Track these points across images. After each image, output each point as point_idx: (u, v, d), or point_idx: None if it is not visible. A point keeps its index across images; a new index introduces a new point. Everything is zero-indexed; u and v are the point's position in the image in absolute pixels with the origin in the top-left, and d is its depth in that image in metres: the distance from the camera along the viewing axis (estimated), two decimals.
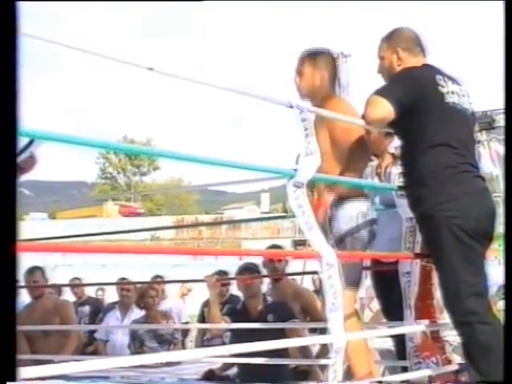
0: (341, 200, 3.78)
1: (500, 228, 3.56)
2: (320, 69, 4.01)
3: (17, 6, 1.81)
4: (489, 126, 9.81)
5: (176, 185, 59.46)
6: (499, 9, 3.14)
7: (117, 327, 7.38)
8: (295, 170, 3.02)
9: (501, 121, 9.55)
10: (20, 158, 4.39)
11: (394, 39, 3.81)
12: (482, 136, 9.70)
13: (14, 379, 1.69)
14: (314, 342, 3.83)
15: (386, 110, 3.47)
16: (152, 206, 60.65)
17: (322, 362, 3.53)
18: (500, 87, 3.19)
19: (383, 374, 5.55)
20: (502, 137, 9.50)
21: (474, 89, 3.95)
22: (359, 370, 3.70)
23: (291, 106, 3.07)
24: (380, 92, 3.54)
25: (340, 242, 3.72)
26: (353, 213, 3.78)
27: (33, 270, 6.63)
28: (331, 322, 3.01)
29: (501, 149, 9.72)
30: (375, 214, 3.96)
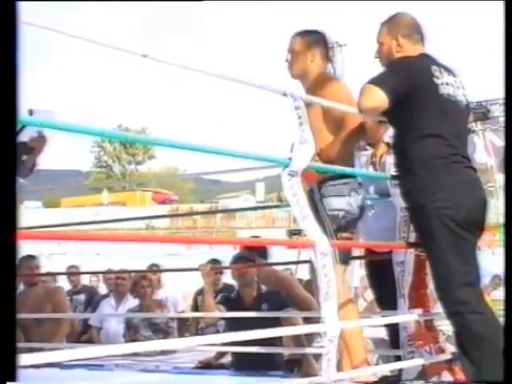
0: (332, 177, 3.79)
1: (492, 218, 3.57)
2: (311, 48, 4.01)
3: (17, 6, 1.81)
4: (483, 117, 9.80)
5: (171, 173, 59.49)
6: (499, 8, 3.13)
7: (111, 315, 7.39)
8: (289, 159, 3.03)
9: (495, 111, 9.55)
10: (28, 139, 4.32)
11: (394, 25, 3.77)
12: (476, 126, 9.70)
13: (13, 379, 1.70)
14: (307, 330, 3.83)
15: (379, 99, 3.46)
16: None
17: (316, 351, 3.53)
18: (495, 78, 3.19)
19: (377, 363, 5.58)
20: (497, 127, 9.51)
21: (469, 79, 3.95)
22: (356, 357, 3.71)
23: (285, 95, 3.07)
24: (374, 81, 3.53)
25: (335, 219, 3.75)
26: (344, 191, 3.80)
27: (27, 258, 6.60)
28: (325, 311, 3.01)
29: (495, 139, 9.73)
30: (364, 190, 3.99)
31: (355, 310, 3.87)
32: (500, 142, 9.26)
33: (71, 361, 4.85)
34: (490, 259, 4.21)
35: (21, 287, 6.95)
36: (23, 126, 4.14)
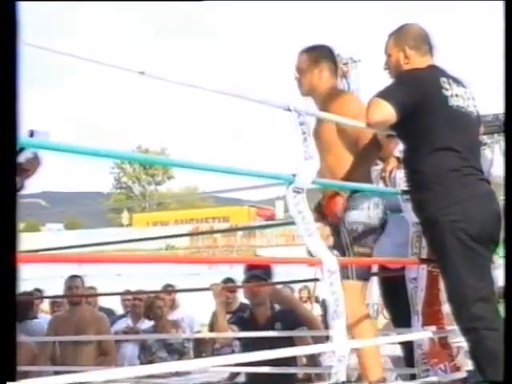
0: (352, 192, 3.75)
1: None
2: (318, 63, 3.97)
3: (17, 6, 1.78)
4: (500, 130, 9.72)
5: (191, 193, 59.43)
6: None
7: (125, 337, 7.33)
8: (294, 175, 2.96)
9: None
10: (22, 159, 4.30)
11: (401, 36, 3.72)
12: (493, 139, 9.62)
13: (13, 379, 1.69)
14: (316, 350, 3.78)
15: (387, 112, 3.40)
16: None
17: (328, 370, 3.45)
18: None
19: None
20: None
21: (485, 92, 3.88)
22: (372, 375, 3.64)
23: (289, 110, 3.01)
24: (382, 94, 3.47)
25: (353, 232, 3.71)
26: (364, 204, 3.74)
27: (71, 278, 6.75)
28: (333, 330, 2.94)
29: None
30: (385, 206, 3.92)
31: (372, 329, 3.77)
32: None
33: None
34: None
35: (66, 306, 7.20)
36: (22, 148, 4.11)
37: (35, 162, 4.26)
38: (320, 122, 3.87)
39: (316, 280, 4.39)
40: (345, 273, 3.56)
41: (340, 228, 3.73)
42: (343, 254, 3.68)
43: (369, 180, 3.95)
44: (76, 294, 6.77)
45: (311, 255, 3.03)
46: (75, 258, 2.88)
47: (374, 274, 4.49)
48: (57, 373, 5.53)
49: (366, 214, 3.75)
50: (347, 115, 3.70)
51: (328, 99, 3.89)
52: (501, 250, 3.53)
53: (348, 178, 3.77)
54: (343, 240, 3.69)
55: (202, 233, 43.65)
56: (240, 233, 39.90)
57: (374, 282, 5.34)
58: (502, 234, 3.58)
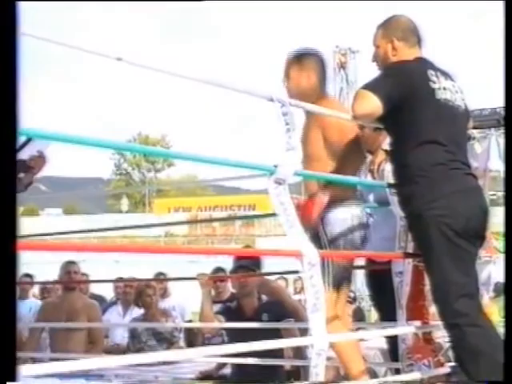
0: (333, 202, 3.68)
1: (494, 227, 3.47)
2: (306, 70, 3.86)
3: (17, 6, 1.78)
4: (498, 124, 9.69)
5: (190, 181, 59.48)
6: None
7: (115, 325, 7.32)
8: (275, 166, 2.92)
9: None
10: (28, 157, 4.34)
11: (389, 28, 3.66)
12: (490, 133, 9.60)
13: (13, 379, 1.69)
14: (294, 343, 3.75)
15: (373, 104, 3.35)
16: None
17: (308, 363, 3.43)
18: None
19: (385, 375, 5.46)
20: None
21: (483, 86, 3.85)
22: (352, 371, 3.60)
23: (272, 100, 2.97)
24: (368, 86, 3.43)
25: (332, 245, 3.63)
26: (346, 215, 3.68)
27: (67, 264, 6.67)
28: (312, 323, 2.91)
29: None
30: (367, 216, 3.86)
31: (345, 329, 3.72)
32: None
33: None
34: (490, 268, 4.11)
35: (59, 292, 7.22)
36: (29, 139, 4.12)
37: (40, 160, 4.32)
38: (306, 132, 3.79)
39: (295, 272, 4.33)
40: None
41: (320, 239, 3.64)
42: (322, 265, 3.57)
43: (353, 191, 3.87)
44: (68, 281, 6.72)
45: None
46: (72, 246, 2.89)
47: (361, 267, 4.47)
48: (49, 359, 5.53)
49: (346, 227, 3.66)
50: (333, 124, 3.66)
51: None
52: (501, 246, 3.51)
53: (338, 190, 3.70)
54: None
55: (201, 221, 43.74)
56: (239, 222, 39.93)
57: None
58: (487, 230, 3.55)
